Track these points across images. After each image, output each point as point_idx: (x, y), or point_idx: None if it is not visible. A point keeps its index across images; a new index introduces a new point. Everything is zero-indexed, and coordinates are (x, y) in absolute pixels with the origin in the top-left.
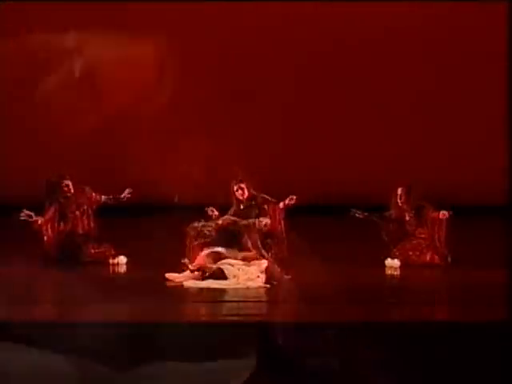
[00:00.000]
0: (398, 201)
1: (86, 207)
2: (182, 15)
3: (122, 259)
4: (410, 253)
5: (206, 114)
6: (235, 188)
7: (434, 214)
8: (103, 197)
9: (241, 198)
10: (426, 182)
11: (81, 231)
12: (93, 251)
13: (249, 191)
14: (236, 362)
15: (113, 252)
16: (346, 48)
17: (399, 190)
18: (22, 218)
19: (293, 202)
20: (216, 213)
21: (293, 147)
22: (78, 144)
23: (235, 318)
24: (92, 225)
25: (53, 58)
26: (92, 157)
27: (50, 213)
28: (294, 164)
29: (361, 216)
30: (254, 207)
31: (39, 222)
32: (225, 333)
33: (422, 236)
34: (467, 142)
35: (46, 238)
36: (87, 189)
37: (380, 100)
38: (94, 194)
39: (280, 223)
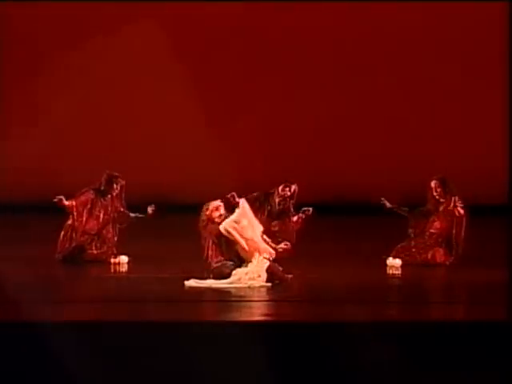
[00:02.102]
0: (434, 193)
1: (112, 216)
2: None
3: (124, 259)
4: (413, 250)
5: (206, 113)
6: (285, 184)
7: (453, 209)
8: (131, 214)
9: (282, 193)
10: (426, 181)
11: (90, 231)
12: (95, 251)
13: (293, 195)
14: (237, 362)
15: (114, 251)
16: (346, 48)
17: (433, 183)
18: (55, 201)
19: (309, 213)
20: (237, 199)
21: (293, 147)
22: (81, 143)
23: (237, 318)
24: (105, 231)
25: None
26: (93, 155)
27: (84, 198)
28: (295, 164)
29: (387, 205)
30: (282, 211)
31: (67, 203)
32: (225, 333)
33: (431, 231)
34: (467, 141)
35: (72, 221)
36: (122, 204)
37: (380, 100)
38: (122, 210)
39: (293, 228)
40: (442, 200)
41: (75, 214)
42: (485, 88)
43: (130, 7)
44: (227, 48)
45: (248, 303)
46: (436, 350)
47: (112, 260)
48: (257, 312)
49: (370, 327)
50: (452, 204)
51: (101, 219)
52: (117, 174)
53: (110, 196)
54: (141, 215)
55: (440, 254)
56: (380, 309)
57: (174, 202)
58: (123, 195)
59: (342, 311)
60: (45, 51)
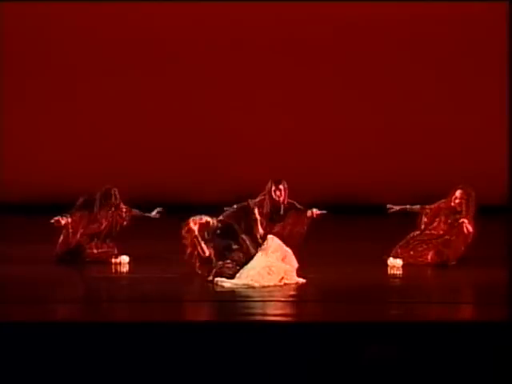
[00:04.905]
0: (453, 202)
1: (112, 227)
2: None
3: (125, 259)
4: (411, 252)
5: (203, 112)
6: (273, 188)
7: (462, 224)
8: (134, 211)
9: (277, 199)
10: (425, 181)
11: (91, 233)
12: (95, 251)
13: (286, 196)
14: (237, 362)
15: (115, 251)
16: (346, 48)
17: (458, 193)
18: (52, 222)
19: (318, 213)
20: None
21: (294, 146)
22: (81, 143)
23: (237, 319)
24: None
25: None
26: (94, 155)
27: (78, 216)
28: (296, 163)
29: (397, 209)
30: (282, 214)
31: (63, 222)
32: (226, 333)
33: (433, 232)
34: (467, 141)
35: (62, 237)
36: (122, 206)
37: (380, 100)
38: (124, 210)
39: (303, 229)
40: (458, 209)
41: (70, 231)
42: (485, 88)
43: (132, 7)
44: (225, 49)
45: (248, 303)
46: (436, 350)
47: (113, 260)
48: (257, 312)
49: (370, 327)
50: (464, 219)
51: (103, 226)
52: (109, 186)
53: (109, 208)
54: (147, 214)
55: (440, 258)
56: (380, 309)
57: (175, 202)
58: (123, 207)
59: (343, 311)
60: (45, 51)
